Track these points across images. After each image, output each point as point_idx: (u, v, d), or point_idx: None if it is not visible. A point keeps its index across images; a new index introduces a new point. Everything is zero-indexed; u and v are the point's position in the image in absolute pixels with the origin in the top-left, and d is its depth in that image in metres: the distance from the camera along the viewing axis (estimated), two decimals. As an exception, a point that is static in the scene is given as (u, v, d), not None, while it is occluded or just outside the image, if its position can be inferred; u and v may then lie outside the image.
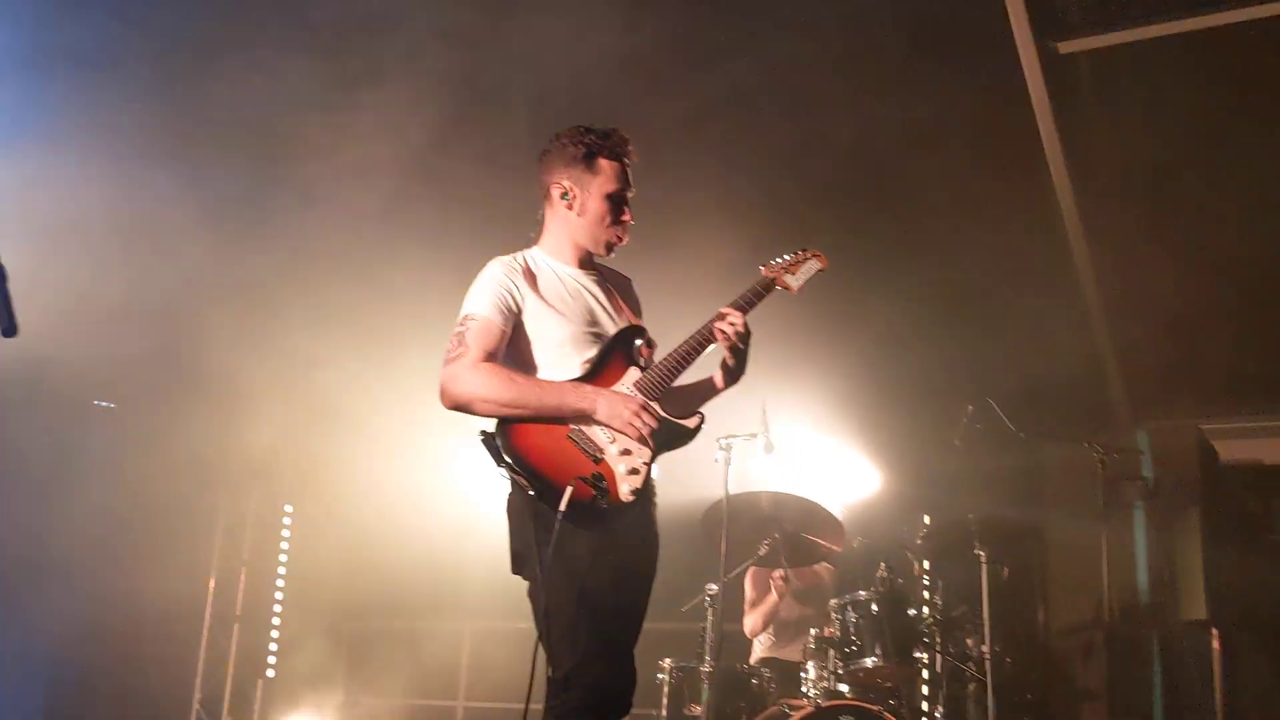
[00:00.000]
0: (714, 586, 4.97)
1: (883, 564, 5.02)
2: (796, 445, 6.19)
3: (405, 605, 7.91)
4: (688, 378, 3.10)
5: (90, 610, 6.80)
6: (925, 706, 6.09)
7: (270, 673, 8.10)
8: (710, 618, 4.98)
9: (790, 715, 4.64)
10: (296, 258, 6.34)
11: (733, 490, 5.00)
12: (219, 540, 8.25)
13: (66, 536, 6.74)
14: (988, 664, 4.99)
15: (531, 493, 2.79)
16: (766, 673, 5.35)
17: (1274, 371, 6.97)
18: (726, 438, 4.95)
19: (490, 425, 2.88)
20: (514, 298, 3.00)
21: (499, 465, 2.85)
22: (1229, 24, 4.89)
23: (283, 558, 8.36)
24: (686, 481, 5.75)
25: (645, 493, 2.94)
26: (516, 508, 2.92)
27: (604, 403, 2.89)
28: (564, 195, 3.09)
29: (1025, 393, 5.96)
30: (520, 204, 3.42)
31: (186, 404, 7.20)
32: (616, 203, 3.10)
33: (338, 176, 5.77)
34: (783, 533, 5.29)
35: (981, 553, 5.12)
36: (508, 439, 2.85)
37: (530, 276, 3.06)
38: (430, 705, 8.10)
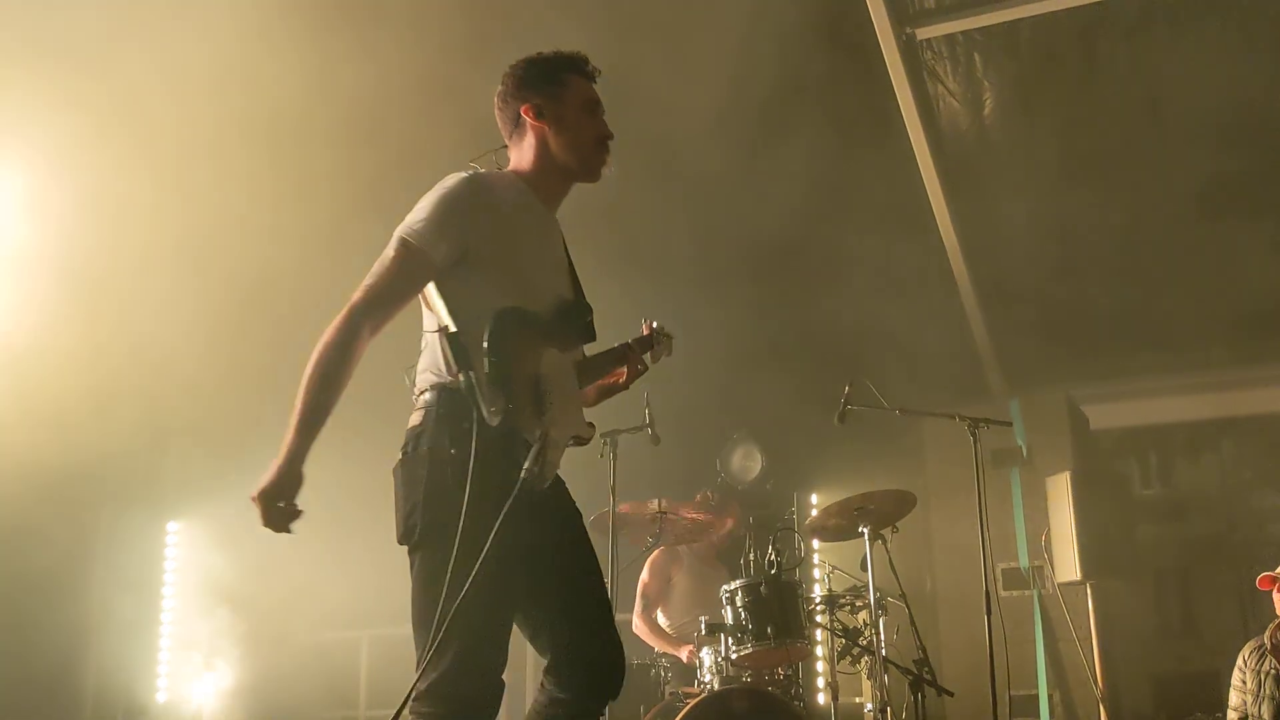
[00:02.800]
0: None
1: (770, 546, 5.09)
2: (682, 433, 6.23)
3: (298, 618, 7.75)
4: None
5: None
6: (820, 684, 6.22)
7: (161, 697, 7.85)
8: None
9: (682, 705, 4.68)
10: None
11: (621, 484, 5.01)
12: (98, 564, 7.94)
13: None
14: (878, 637, 5.11)
15: (498, 424, 2.39)
16: (664, 663, 5.40)
17: (1137, 336, 7.29)
18: (611, 433, 4.96)
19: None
20: (470, 234, 2.58)
21: (466, 371, 2.44)
22: (1073, 7, 5.09)
23: (168, 578, 8.10)
24: (573, 475, 5.76)
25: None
26: (438, 462, 2.49)
27: None
28: (539, 113, 2.76)
29: (901, 370, 6.12)
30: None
31: (46, 414, 6.87)
32: (594, 112, 2.81)
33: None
34: (668, 521, 5.37)
35: (865, 529, 5.22)
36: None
37: (497, 210, 2.65)
38: (331, 717, 7.97)
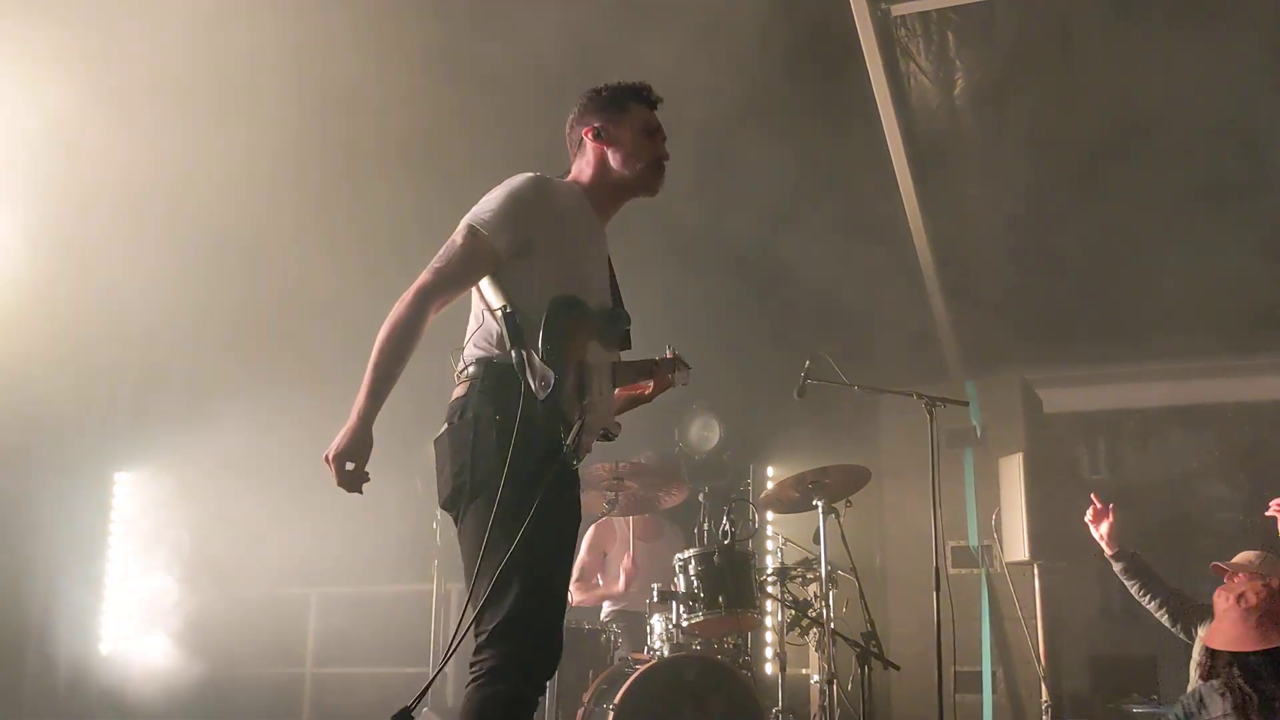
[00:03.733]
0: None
1: (725, 517, 5.11)
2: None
3: (247, 573, 7.69)
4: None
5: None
6: (768, 654, 6.27)
7: (104, 648, 7.77)
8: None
9: (631, 671, 4.70)
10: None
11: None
12: (43, 513, 7.82)
13: None
14: (827, 610, 5.15)
15: (544, 398, 2.63)
16: (615, 628, 5.42)
17: (1094, 323, 7.38)
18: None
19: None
20: (531, 229, 2.83)
21: (520, 348, 2.68)
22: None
23: (114, 529, 8.00)
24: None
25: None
26: (484, 426, 2.70)
27: None
28: (598, 135, 3.06)
29: (862, 347, 6.15)
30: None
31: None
32: (651, 132, 3.09)
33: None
34: (625, 489, 5.37)
35: (819, 502, 5.26)
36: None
37: (558, 212, 2.91)
38: (277, 673, 7.92)
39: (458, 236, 2.80)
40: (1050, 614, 6.59)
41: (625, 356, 3.12)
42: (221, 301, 6.66)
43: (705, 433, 7.13)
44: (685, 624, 4.90)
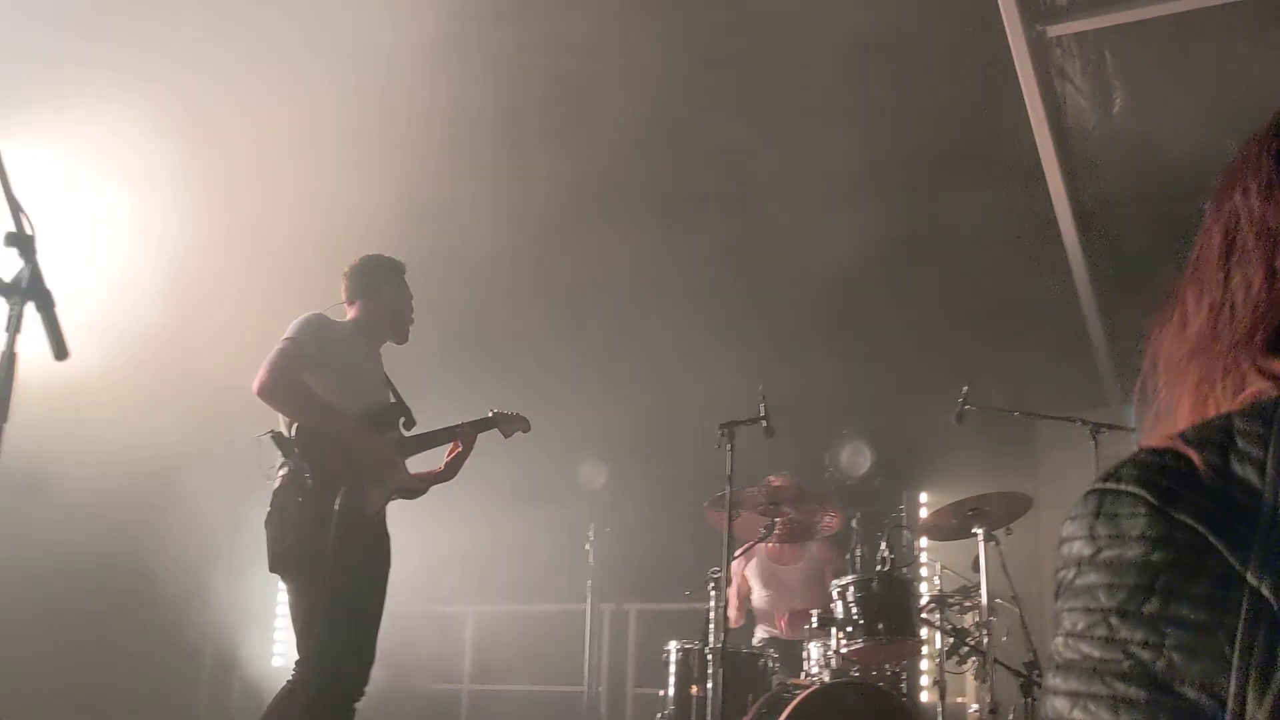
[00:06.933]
0: (718, 569, 5.03)
1: (883, 543, 5.11)
2: (797, 428, 6.26)
3: (407, 590, 7.91)
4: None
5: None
6: (925, 681, 6.22)
7: (276, 662, 8.16)
8: (714, 599, 5.05)
9: (793, 696, 4.72)
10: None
11: (736, 475, 5.03)
12: (221, 533, 8.23)
13: None
14: (986, 638, 5.09)
15: (312, 485, 3.91)
16: (771, 653, 5.45)
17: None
18: (728, 424, 4.97)
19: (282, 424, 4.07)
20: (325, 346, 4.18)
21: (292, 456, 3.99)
22: (1206, 7, 5.00)
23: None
24: (692, 466, 5.83)
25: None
26: (289, 514, 3.96)
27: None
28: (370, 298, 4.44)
29: (1019, 372, 6.07)
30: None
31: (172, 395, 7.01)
32: (400, 307, 4.49)
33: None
34: (783, 514, 5.38)
35: (979, 530, 5.20)
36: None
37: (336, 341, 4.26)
38: (436, 689, 8.16)
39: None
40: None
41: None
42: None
43: (856, 458, 7.12)
44: (844, 650, 4.91)
